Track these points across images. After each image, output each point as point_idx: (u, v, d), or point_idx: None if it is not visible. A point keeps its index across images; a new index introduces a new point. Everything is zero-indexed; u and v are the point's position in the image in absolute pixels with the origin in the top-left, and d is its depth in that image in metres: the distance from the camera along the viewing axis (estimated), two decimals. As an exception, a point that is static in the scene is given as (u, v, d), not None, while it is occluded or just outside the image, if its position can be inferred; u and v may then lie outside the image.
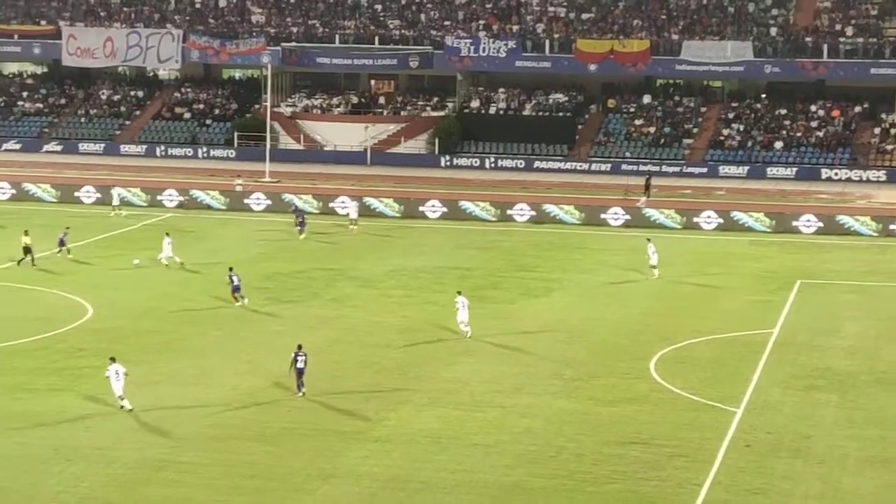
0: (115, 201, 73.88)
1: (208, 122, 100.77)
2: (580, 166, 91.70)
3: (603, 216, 72.39)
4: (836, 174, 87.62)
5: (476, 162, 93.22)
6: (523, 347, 46.02)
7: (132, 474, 33.26)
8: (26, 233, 59.73)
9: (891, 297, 55.14)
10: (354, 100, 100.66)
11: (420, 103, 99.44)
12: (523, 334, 47.90)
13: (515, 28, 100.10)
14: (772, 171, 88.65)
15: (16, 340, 46.03)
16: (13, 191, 78.90)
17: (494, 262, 61.85)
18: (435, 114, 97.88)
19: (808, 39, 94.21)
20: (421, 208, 74.61)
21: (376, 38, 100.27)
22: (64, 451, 34.79)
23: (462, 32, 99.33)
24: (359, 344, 46.31)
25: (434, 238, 68.20)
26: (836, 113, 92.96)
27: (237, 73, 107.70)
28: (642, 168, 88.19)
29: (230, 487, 32.51)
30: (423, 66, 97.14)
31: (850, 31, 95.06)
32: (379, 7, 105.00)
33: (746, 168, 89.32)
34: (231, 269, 52.46)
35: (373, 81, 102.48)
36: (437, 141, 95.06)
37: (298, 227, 67.75)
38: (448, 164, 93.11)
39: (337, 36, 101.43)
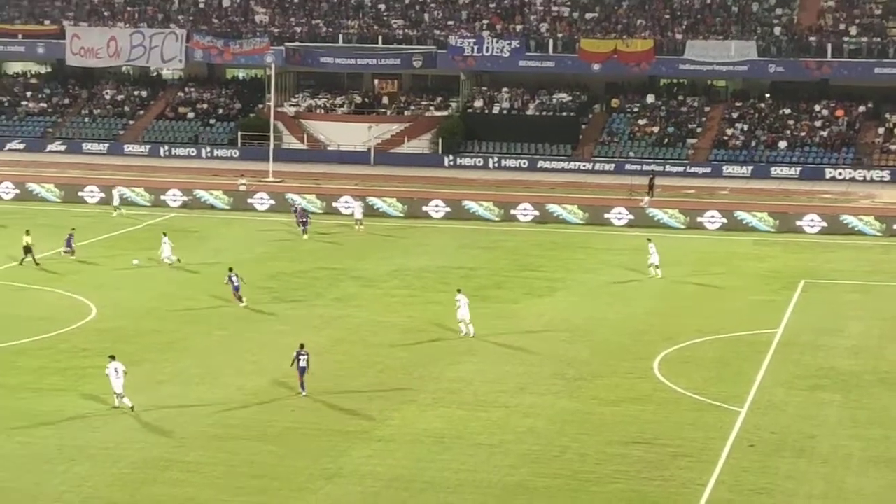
0: (116, 201, 73.95)
1: (212, 121, 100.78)
2: (584, 166, 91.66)
3: (606, 216, 72.39)
4: (839, 174, 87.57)
5: (479, 162, 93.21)
6: (527, 347, 46.02)
7: (136, 474, 33.29)
8: (27, 232, 59.80)
9: (894, 296, 55.09)
10: (358, 99, 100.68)
11: (423, 103, 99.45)
12: (527, 334, 47.92)
13: (519, 28, 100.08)
14: (775, 170, 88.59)
15: (19, 340, 46.08)
16: (17, 190, 78.98)
17: (498, 261, 61.86)
18: (438, 113, 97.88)
19: (811, 39, 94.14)
20: (424, 208, 74.62)
21: (380, 38, 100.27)
22: (68, 450, 34.82)
23: (465, 32, 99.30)
24: (362, 344, 46.33)
25: (437, 238, 68.20)
26: (839, 112, 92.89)
27: (241, 73, 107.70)
28: (646, 168, 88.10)
29: (234, 487, 32.53)
30: (426, 65, 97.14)
31: (853, 30, 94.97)
32: (382, 7, 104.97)
33: (750, 168, 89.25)
34: (231, 270, 52.46)
35: (376, 81, 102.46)
36: (440, 141, 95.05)
37: (301, 227, 67.77)
38: (451, 163, 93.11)
39: (340, 35, 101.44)
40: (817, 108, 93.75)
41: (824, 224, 70.07)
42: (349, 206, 73.14)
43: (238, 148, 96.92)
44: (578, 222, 72.54)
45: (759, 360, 44.33)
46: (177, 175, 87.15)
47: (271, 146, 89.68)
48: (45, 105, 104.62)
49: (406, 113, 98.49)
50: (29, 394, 39.91)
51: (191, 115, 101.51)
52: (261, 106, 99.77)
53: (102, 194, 77.05)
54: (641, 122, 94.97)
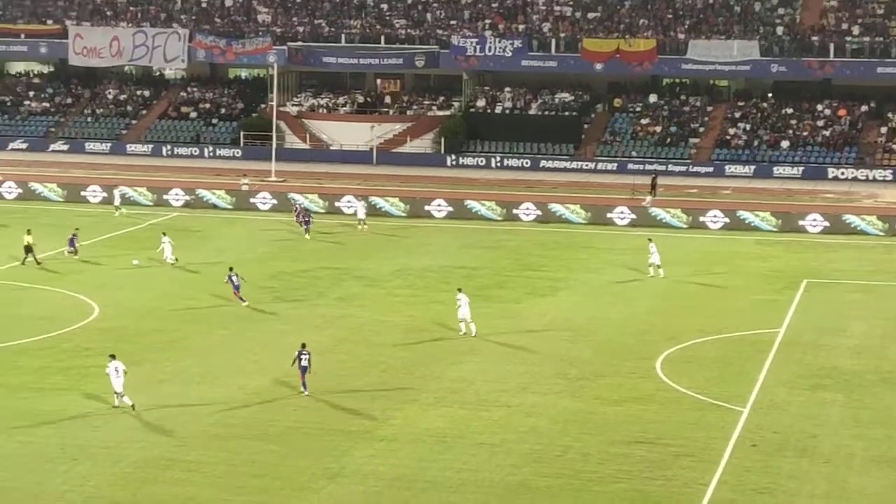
0: (117, 200, 73.96)
1: (214, 121, 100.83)
2: (586, 166, 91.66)
3: (609, 215, 72.36)
4: (842, 173, 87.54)
5: (482, 161, 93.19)
6: (529, 347, 46.00)
7: (138, 473, 33.28)
8: (28, 231, 59.81)
9: (897, 296, 55.12)
10: (360, 99, 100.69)
11: (426, 103, 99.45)
12: (529, 333, 47.90)
13: (521, 27, 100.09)
14: (778, 170, 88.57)
15: (21, 339, 46.09)
16: (20, 190, 79.03)
17: (500, 261, 61.83)
18: (441, 113, 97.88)
19: (814, 38, 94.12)
20: (427, 208, 74.60)
21: (382, 38, 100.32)
22: (70, 450, 34.82)
23: (468, 32, 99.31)
24: (364, 343, 46.32)
25: (440, 237, 68.18)
26: (842, 112, 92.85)
27: (243, 73, 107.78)
28: (648, 167, 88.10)
29: (236, 486, 32.51)
30: (428, 65, 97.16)
31: (856, 30, 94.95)
32: (385, 6, 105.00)
33: (753, 167, 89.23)
34: (231, 269, 52.43)
35: (379, 81, 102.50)
36: (442, 140, 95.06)
37: (304, 227, 67.75)
38: (454, 163, 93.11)
39: (343, 35, 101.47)
40: (820, 107, 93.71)
41: (827, 224, 70.01)
42: (352, 206, 73.13)
43: (240, 148, 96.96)
44: (581, 222, 72.51)
45: (762, 359, 44.28)
46: (179, 175, 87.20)
47: (274, 146, 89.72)
48: (47, 105, 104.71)
49: (408, 112, 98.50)
50: (31, 393, 39.92)
51: (193, 114, 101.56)
52: (263, 106, 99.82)
53: (105, 194, 77.07)
54: (644, 121, 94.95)
